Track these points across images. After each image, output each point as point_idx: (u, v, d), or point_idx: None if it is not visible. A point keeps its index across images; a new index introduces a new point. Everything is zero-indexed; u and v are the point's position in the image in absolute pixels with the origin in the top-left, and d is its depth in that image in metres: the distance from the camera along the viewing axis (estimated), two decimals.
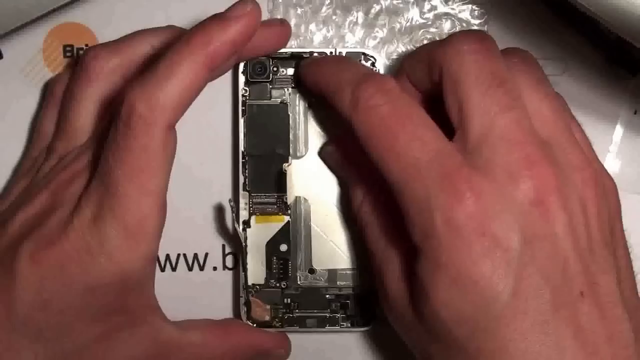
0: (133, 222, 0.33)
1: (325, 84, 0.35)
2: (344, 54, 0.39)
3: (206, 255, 0.42)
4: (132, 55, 0.37)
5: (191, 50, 0.33)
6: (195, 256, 0.42)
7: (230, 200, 0.38)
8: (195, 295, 0.42)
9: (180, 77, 0.32)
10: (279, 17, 0.40)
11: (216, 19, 0.34)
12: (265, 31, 0.37)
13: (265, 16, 0.40)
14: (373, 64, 0.39)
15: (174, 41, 0.34)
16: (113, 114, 0.33)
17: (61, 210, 0.34)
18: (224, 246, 0.42)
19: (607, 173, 0.34)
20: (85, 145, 0.37)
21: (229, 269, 0.42)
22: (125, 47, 0.38)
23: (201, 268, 0.42)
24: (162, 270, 0.42)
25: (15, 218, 0.35)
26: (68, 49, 0.41)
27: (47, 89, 0.40)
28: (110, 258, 0.33)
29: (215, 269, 0.42)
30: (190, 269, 0.42)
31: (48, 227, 0.34)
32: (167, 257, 0.42)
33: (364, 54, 0.39)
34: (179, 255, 0.42)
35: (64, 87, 0.39)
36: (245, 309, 0.40)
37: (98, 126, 0.37)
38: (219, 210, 0.41)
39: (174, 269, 0.42)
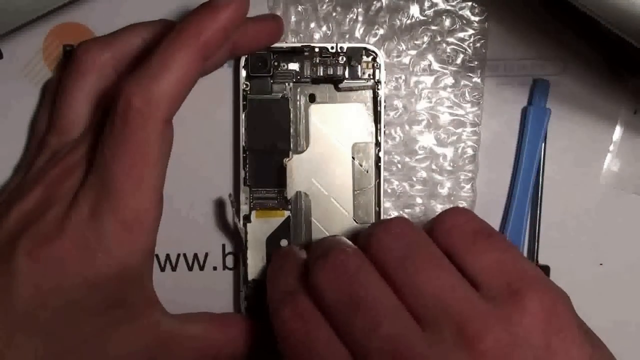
0: (131, 217, 0.33)
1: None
2: (345, 49, 0.39)
3: (206, 255, 0.41)
4: (124, 49, 0.37)
5: (184, 41, 0.33)
6: (195, 256, 0.41)
7: (230, 195, 0.38)
8: (195, 295, 0.41)
9: (175, 69, 0.33)
10: (279, 14, 0.40)
11: (206, 7, 0.34)
12: (258, 25, 0.38)
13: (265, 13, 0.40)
14: (374, 59, 0.39)
15: (166, 33, 0.34)
16: (108, 108, 0.33)
17: (58, 206, 0.34)
18: (224, 246, 0.41)
19: None
20: (78, 139, 0.36)
21: (229, 269, 0.41)
22: (117, 40, 0.38)
23: (201, 268, 0.41)
24: (162, 270, 0.41)
25: (10, 214, 0.35)
26: (68, 49, 0.41)
27: (46, 89, 0.40)
28: (108, 253, 0.33)
29: (215, 269, 0.41)
30: (190, 269, 0.41)
31: (45, 223, 0.33)
32: (167, 257, 0.41)
33: (365, 49, 0.39)
34: (179, 255, 0.41)
35: None
36: (246, 304, 0.39)
37: (91, 120, 0.37)
38: (220, 206, 0.41)
39: (174, 269, 0.41)
